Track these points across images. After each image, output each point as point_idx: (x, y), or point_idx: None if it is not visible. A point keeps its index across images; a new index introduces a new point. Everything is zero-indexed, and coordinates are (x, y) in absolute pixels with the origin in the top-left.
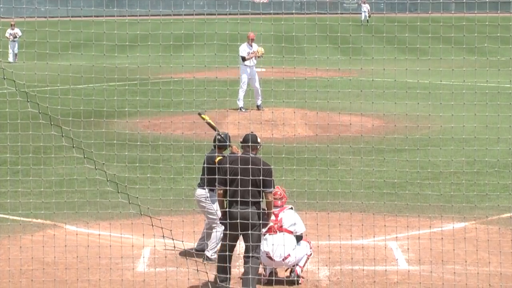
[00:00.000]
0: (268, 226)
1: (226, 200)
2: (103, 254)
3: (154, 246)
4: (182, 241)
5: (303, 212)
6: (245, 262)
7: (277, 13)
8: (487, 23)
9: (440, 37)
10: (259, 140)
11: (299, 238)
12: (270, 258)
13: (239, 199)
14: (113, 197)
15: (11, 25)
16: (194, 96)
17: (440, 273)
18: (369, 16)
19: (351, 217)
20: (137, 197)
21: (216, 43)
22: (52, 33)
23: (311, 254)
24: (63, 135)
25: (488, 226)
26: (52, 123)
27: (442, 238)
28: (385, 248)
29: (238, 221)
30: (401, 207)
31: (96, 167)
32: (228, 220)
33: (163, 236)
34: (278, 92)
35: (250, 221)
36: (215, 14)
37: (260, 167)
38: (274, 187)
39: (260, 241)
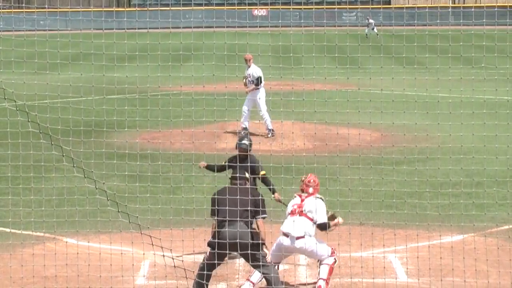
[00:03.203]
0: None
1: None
2: (103, 267)
3: (155, 261)
4: (182, 256)
5: None
6: (266, 278)
7: (275, 26)
8: (484, 33)
9: (438, 50)
10: (247, 175)
11: (322, 226)
12: (285, 235)
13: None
14: (113, 211)
15: None
16: (193, 106)
17: (439, 286)
18: (373, 28)
19: (349, 229)
20: (137, 216)
21: (215, 53)
22: (51, 47)
23: (335, 262)
24: (64, 155)
25: (486, 238)
26: (52, 143)
27: (441, 251)
28: (384, 260)
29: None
30: (400, 219)
31: (97, 187)
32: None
33: (163, 255)
34: (277, 105)
35: (243, 240)
36: (213, 27)
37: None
38: (265, 214)
39: (264, 260)
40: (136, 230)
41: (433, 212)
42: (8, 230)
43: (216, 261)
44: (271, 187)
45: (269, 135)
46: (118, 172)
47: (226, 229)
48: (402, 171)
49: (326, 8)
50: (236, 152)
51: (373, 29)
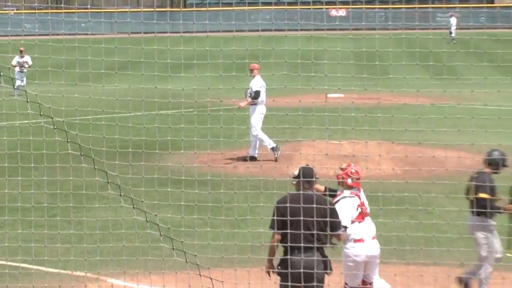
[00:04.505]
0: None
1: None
2: None
3: None
4: None
5: (389, 265)
6: None
7: (357, 29)
8: None
9: None
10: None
11: None
12: (360, 240)
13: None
14: (167, 248)
15: (20, 51)
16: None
17: None
18: (451, 33)
19: (448, 272)
20: (195, 254)
21: (286, 61)
22: (94, 54)
23: None
24: (109, 181)
25: None
26: (96, 167)
27: None
28: None
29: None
30: (509, 260)
31: (148, 219)
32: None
33: None
34: (359, 122)
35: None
36: (284, 30)
37: (326, 206)
38: (342, 228)
39: None
40: (194, 271)
41: None
42: (44, 268)
43: None
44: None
45: (276, 156)
46: (173, 202)
47: (301, 257)
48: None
49: (418, 7)
50: None
51: (450, 33)
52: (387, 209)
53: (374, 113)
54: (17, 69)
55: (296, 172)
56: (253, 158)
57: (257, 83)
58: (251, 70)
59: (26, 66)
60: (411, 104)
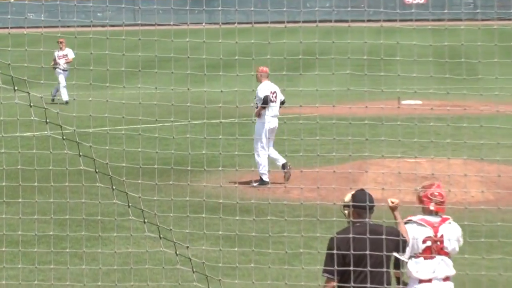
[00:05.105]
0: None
1: None
2: None
3: None
4: None
5: None
6: None
7: (438, 19)
8: None
9: None
10: None
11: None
12: (427, 281)
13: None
14: (201, 284)
15: (59, 42)
16: (318, 135)
17: None
18: None
19: None
20: None
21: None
22: (113, 49)
23: None
24: (130, 205)
25: None
26: (114, 187)
27: None
28: None
29: None
30: None
31: (178, 253)
32: None
33: None
34: (441, 135)
35: None
36: (347, 21)
37: (398, 238)
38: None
39: None
40: None
41: None
42: None
43: None
44: None
45: (254, 184)
46: (208, 232)
47: None
48: None
49: None
50: None
51: None
52: (475, 243)
53: (459, 123)
54: (60, 65)
55: (347, 198)
56: (284, 166)
57: (266, 87)
58: (257, 74)
59: (69, 61)
60: (505, 112)
